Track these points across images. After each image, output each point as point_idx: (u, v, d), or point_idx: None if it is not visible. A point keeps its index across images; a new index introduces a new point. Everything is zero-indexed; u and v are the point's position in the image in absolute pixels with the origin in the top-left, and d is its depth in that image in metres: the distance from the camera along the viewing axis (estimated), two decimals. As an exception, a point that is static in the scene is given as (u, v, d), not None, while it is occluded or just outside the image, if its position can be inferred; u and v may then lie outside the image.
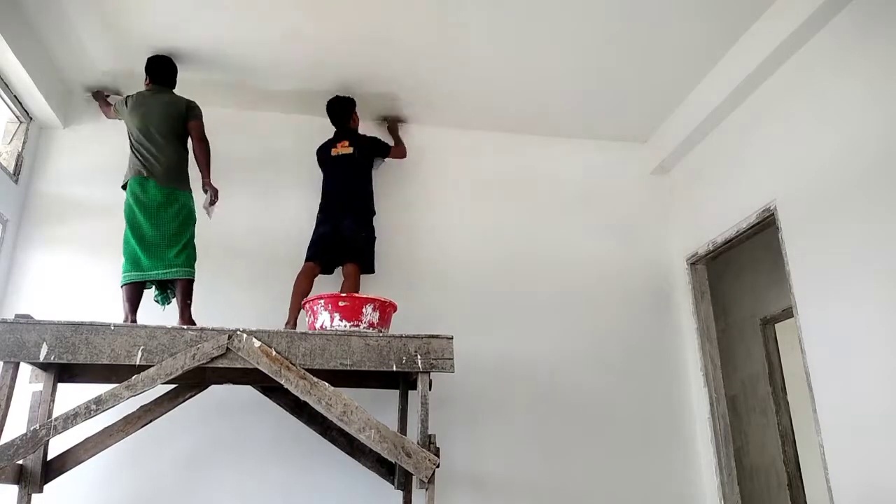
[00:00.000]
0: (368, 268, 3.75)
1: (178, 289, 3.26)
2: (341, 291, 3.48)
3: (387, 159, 4.17)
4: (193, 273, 3.30)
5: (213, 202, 3.44)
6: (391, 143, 4.21)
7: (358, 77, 4.01)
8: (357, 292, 3.52)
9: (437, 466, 2.63)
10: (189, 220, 3.38)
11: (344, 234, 3.69)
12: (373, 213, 3.89)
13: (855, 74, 3.02)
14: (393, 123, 4.39)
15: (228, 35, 3.64)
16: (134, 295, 3.25)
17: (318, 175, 3.98)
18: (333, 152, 3.90)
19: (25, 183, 3.91)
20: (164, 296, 3.43)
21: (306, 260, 3.72)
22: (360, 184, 3.86)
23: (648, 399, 4.14)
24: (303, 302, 3.27)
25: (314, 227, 3.80)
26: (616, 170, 4.67)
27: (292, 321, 3.47)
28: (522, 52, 3.79)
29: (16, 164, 3.83)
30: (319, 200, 3.87)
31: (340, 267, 3.76)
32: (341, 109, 4.00)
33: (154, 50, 3.73)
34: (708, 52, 3.76)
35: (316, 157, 4.03)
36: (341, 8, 3.43)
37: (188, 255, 3.30)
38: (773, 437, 5.02)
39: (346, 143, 3.89)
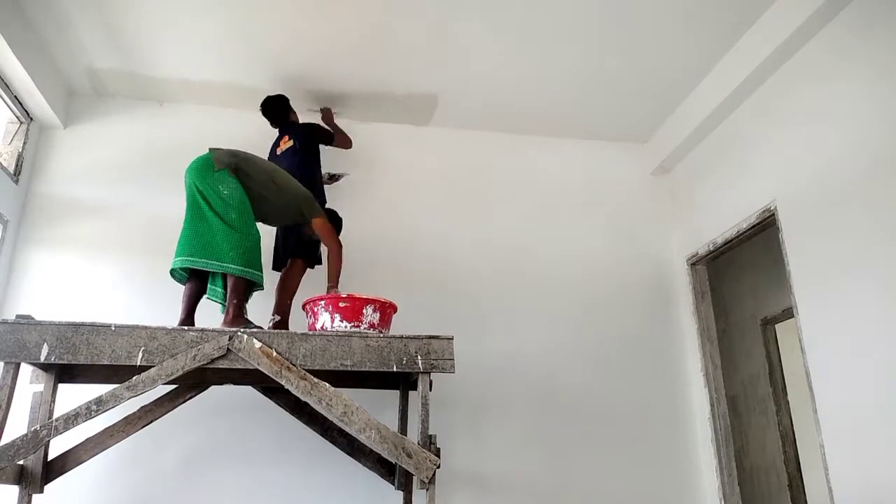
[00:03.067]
0: (313, 260, 3.64)
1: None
2: (278, 286, 3.47)
3: (333, 147, 4.04)
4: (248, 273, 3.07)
5: None
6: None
7: (356, 77, 4.01)
8: (291, 286, 3.45)
9: (438, 467, 2.62)
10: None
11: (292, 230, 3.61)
12: (320, 199, 3.70)
13: (855, 74, 3.02)
14: (327, 113, 4.21)
15: (227, 34, 3.64)
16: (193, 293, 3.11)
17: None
18: (278, 151, 3.86)
19: (25, 183, 3.91)
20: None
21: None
22: (305, 172, 3.71)
23: (648, 399, 4.14)
24: (303, 303, 3.27)
25: None
26: (616, 170, 4.68)
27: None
28: (522, 53, 3.79)
29: (16, 165, 3.83)
30: None
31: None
32: (278, 107, 3.92)
33: (153, 49, 3.73)
34: (708, 53, 3.76)
35: None
36: (340, 8, 3.43)
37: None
38: (773, 437, 5.02)
39: (287, 138, 3.85)
